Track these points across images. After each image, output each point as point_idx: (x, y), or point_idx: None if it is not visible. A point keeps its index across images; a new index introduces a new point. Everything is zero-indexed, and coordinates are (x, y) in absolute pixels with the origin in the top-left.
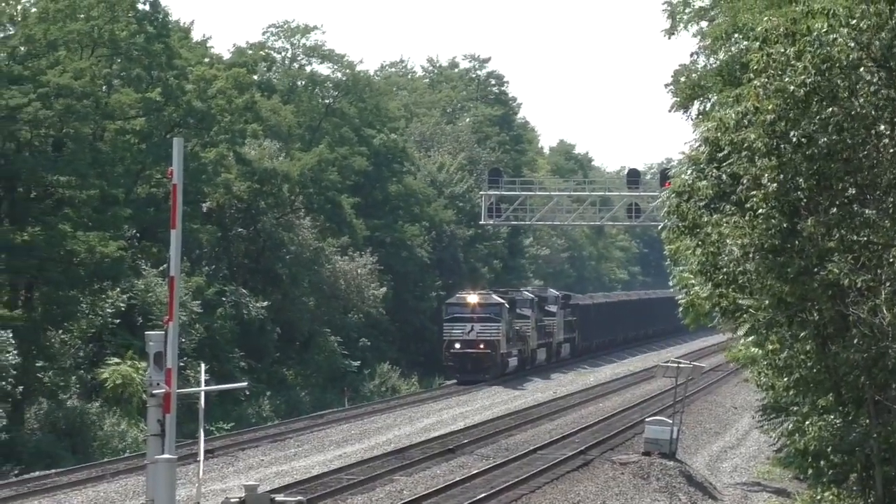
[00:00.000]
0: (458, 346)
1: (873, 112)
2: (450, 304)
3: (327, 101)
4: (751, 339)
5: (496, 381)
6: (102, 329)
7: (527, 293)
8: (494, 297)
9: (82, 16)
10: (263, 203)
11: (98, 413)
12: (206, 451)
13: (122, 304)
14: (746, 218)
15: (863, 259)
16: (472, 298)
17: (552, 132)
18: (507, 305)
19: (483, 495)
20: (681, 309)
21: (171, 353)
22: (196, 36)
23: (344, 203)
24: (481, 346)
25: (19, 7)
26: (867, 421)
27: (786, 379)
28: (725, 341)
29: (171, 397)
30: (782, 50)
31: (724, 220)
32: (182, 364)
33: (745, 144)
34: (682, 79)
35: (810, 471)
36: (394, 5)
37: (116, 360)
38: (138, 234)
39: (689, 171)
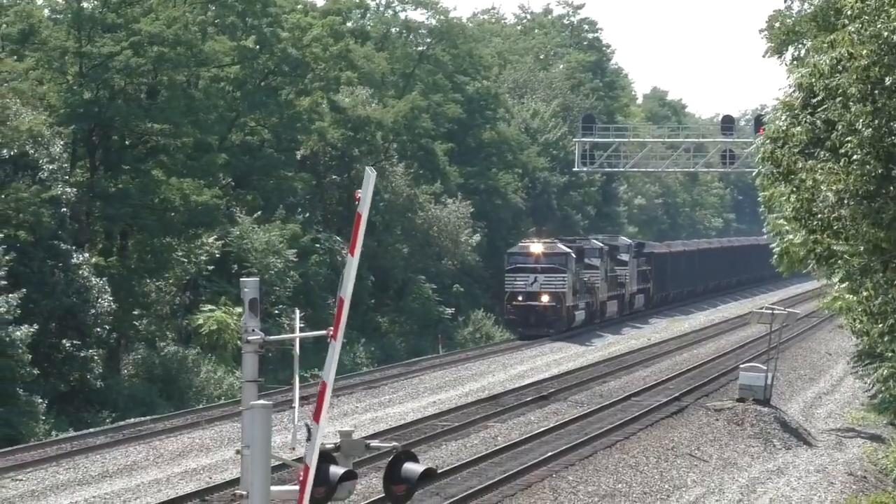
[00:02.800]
0: (520, 298)
1: None
2: (512, 253)
3: (421, 48)
4: (845, 285)
5: (561, 336)
6: (197, 276)
7: (595, 241)
8: (560, 245)
9: None
10: (357, 150)
11: (194, 360)
12: (301, 399)
13: (216, 252)
14: (841, 164)
15: None
16: (536, 247)
17: (646, 79)
18: (573, 255)
19: (577, 442)
20: (775, 256)
21: (330, 370)
22: None
23: (437, 150)
24: (545, 298)
25: None
26: None
27: (881, 325)
28: (819, 288)
29: (321, 409)
30: None
31: (819, 166)
32: (277, 311)
33: (840, 90)
34: (777, 24)
35: None
36: None
37: (211, 307)
38: (233, 182)
39: (783, 118)
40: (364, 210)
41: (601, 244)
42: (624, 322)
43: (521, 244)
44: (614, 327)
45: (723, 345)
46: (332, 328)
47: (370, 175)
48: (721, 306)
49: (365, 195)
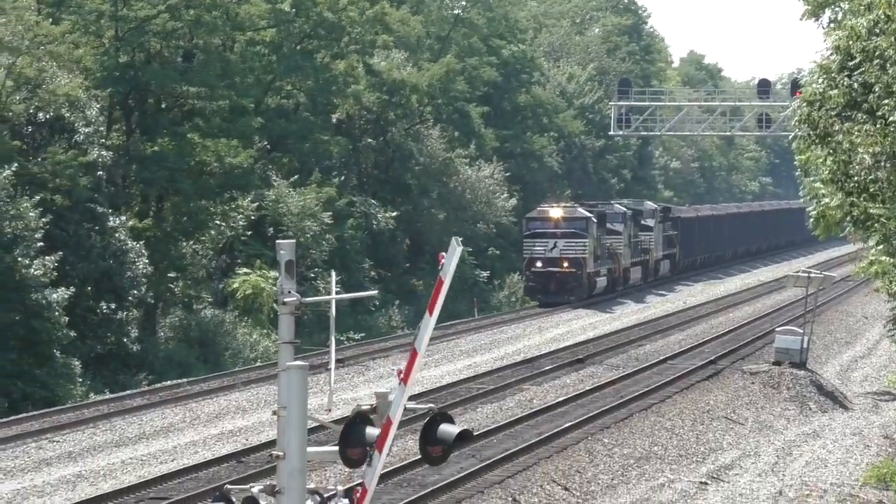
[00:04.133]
0: (539, 264)
1: None
2: (530, 217)
3: (456, 12)
4: (881, 248)
5: (581, 303)
6: (233, 240)
7: (619, 206)
8: (580, 210)
9: None
10: (392, 114)
11: (231, 323)
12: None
13: (252, 215)
14: (878, 126)
15: None
16: (556, 212)
17: (682, 43)
18: (594, 220)
19: (613, 404)
20: (811, 219)
21: (396, 411)
22: None
23: (472, 113)
24: (565, 264)
25: None
26: None
27: None
28: (855, 251)
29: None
30: None
31: (856, 128)
32: (312, 275)
33: (877, 53)
34: None
35: None
36: None
37: (246, 270)
38: (268, 146)
39: (820, 80)
40: (446, 277)
41: (624, 209)
42: (648, 289)
43: (539, 208)
44: (638, 295)
45: (758, 308)
46: (403, 373)
47: (456, 247)
48: (755, 270)
49: (449, 263)
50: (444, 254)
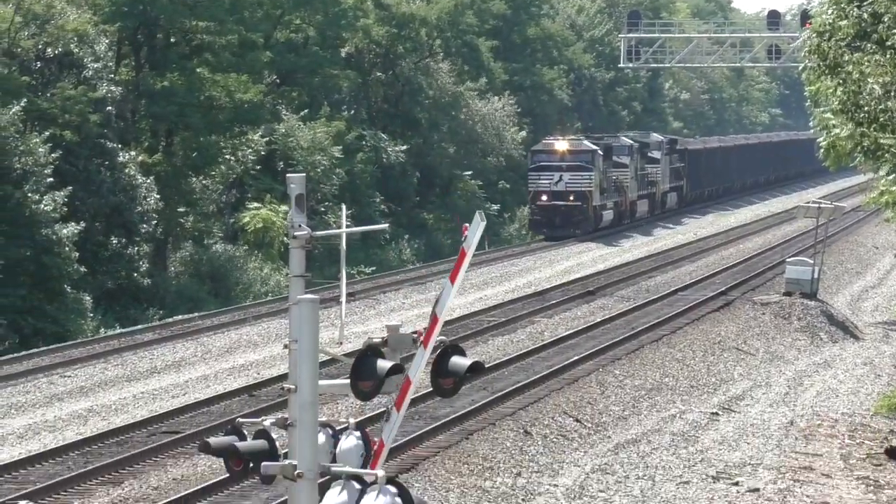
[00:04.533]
0: (544, 198)
1: None
2: (535, 150)
3: None
4: (892, 178)
5: (588, 236)
6: (243, 174)
7: (625, 139)
8: (586, 142)
9: None
10: (401, 48)
11: (241, 257)
12: (348, 295)
13: (262, 150)
14: (888, 56)
15: None
16: (561, 145)
17: None
18: (600, 152)
19: (623, 336)
20: (821, 150)
21: (416, 372)
22: None
23: (481, 46)
24: (571, 197)
25: None
26: None
27: None
28: (865, 182)
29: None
30: None
31: (866, 58)
32: (322, 209)
33: None
34: None
35: None
36: None
37: (257, 204)
38: (278, 80)
39: (829, 11)
40: (469, 249)
41: (631, 141)
42: (655, 222)
43: (545, 141)
44: (645, 228)
45: (769, 239)
46: (423, 336)
47: (480, 221)
48: (765, 201)
49: (472, 235)
50: (467, 225)
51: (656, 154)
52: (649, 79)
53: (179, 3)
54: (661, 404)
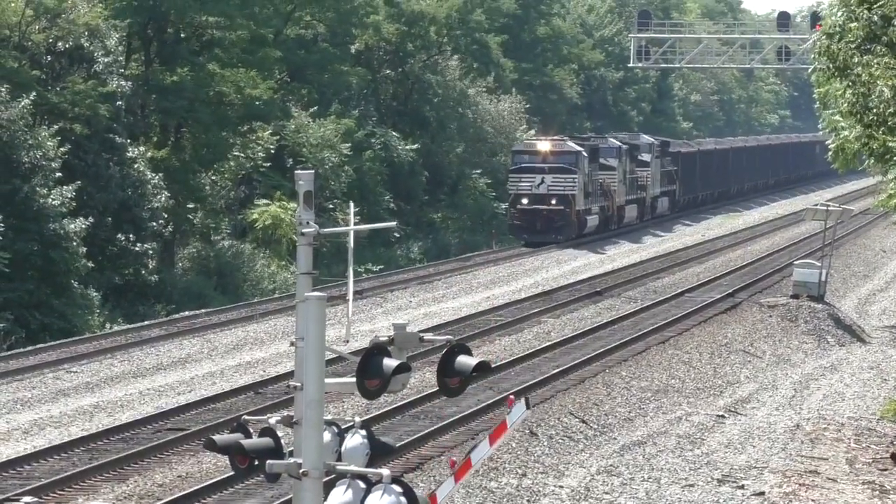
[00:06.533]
0: (525, 201)
1: None
2: (517, 151)
3: None
4: None
5: (570, 243)
6: (252, 171)
7: (613, 140)
8: (570, 143)
9: None
10: (411, 45)
11: (249, 254)
12: (356, 292)
13: (271, 146)
14: None
15: None
16: (543, 145)
17: None
18: (585, 154)
19: (630, 337)
20: (830, 152)
21: (443, 495)
22: None
23: (491, 43)
24: (553, 201)
25: None
26: None
27: None
28: (874, 184)
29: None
30: None
31: (875, 61)
32: (331, 206)
33: None
34: None
35: None
36: None
37: (266, 201)
38: (288, 77)
39: (839, 13)
40: (510, 426)
41: (619, 143)
42: (645, 228)
43: (526, 141)
44: (633, 234)
45: (776, 241)
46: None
47: (521, 408)
48: (773, 203)
49: (511, 419)
50: (513, 398)
51: (646, 157)
52: (659, 79)
53: None
54: (668, 406)
